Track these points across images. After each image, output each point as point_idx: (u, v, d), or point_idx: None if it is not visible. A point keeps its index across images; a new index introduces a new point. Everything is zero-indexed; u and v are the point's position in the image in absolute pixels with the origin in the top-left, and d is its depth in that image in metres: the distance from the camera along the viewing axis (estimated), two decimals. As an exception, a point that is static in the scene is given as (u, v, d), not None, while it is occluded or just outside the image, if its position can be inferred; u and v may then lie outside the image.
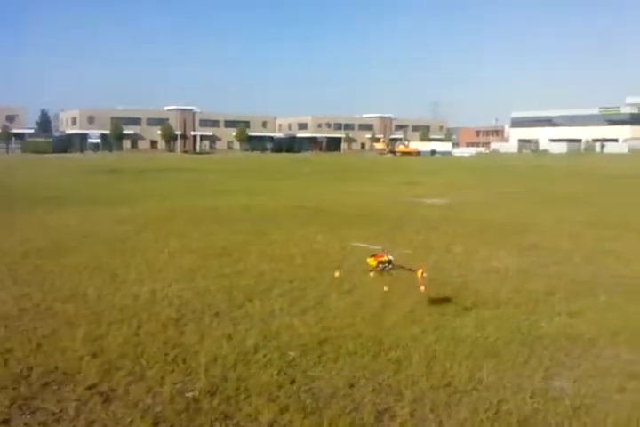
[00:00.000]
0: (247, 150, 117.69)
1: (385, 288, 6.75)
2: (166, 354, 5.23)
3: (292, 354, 5.23)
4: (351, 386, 4.61)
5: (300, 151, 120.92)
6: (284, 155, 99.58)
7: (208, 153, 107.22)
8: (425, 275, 6.57)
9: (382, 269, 6.90)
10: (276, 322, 6.11)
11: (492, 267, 8.89)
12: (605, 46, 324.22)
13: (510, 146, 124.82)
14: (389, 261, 6.88)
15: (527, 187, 26.18)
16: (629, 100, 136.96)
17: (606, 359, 5.25)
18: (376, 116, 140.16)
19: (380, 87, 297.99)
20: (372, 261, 6.92)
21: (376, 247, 7.09)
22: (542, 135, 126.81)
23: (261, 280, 7.83)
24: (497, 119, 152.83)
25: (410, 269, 6.81)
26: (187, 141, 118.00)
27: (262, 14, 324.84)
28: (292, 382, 4.68)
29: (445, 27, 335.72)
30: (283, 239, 10.94)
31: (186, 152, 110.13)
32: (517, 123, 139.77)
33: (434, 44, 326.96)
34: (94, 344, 5.47)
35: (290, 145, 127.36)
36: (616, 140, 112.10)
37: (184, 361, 5.08)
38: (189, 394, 4.46)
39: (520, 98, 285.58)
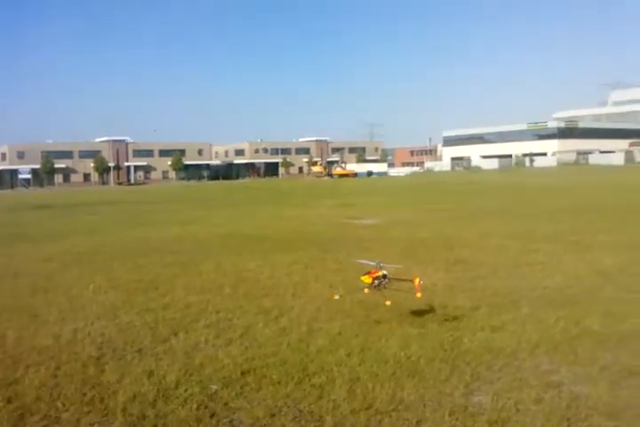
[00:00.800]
0: (183, 179, 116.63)
1: (387, 303, 6.71)
2: (84, 394, 5.08)
3: (213, 387, 5.15)
4: (272, 415, 4.56)
5: (237, 178, 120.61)
6: (221, 182, 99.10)
7: (143, 184, 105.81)
8: (421, 282, 6.83)
9: (378, 285, 6.87)
10: (200, 355, 6.02)
11: (421, 284, 8.96)
12: (531, 63, 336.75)
13: (444, 164, 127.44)
14: (384, 276, 6.89)
15: (457, 203, 26.74)
16: (556, 114, 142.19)
17: (526, 371, 5.35)
18: (312, 140, 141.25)
19: (315, 111, 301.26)
20: (366, 279, 6.87)
21: (371, 263, 7.09)
22: (474, 152, 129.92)
23: (188, 313, 7.71)
24: (430, 138, 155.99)
25: (406, 280, 6.97)
26: (120, 173, 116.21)
27: (190, 40, 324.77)
28: (212, 415, 4.60)
29: (374, 49, 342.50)
30: (212, 269, 10.81)
31: (120, 184, 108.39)
32: (449, 141, 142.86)
33: (365, 66, 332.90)
34: (9, 389, 5.26)
35: (227, 172, 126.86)
36: (545, 154, 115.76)
37: (102, 401, 4.93)
38: (105, 436, 4.33)
39: (451, 117, 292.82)
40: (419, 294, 6.72)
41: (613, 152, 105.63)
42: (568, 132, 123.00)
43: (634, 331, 6.35)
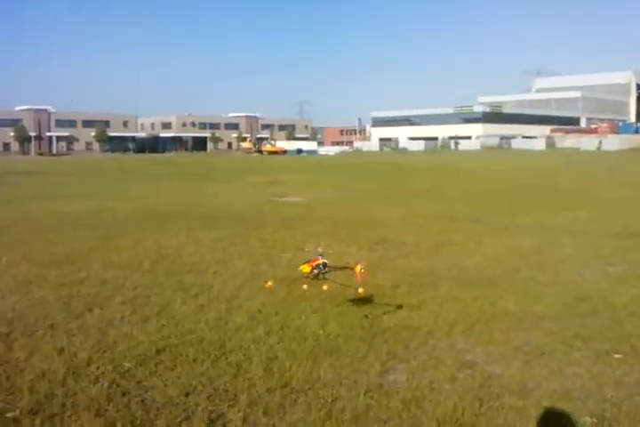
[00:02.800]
0: (107, 151, 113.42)
1: (324, 287, 6.62)
2: (-11, 373, 4.85)
3: (126, 365, 5.00)
4: (186, 394, 4.47)
5: (164, 151, 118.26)
6: (146, 155, 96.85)
7: (65, 155, 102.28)
8: (363, 271, 6.53)
9: (318, 274, 6.66)
10: (114, 332, 5.84)
11: (343, 262, 9.00)
12: (460, 48, 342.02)
13: (372, 144, 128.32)
14: (325, 264, 6.67)
15: (382, 183, 27.03)
16: (481, 99, 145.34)
17: (441, 350, 5.42)
18: (242, 116, 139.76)
19: (245, 86, 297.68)
20: (305, 268, 6.65)
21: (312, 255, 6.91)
22: (402, 134, 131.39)
23: (103, 289, 7.47)
24: (360, 119, 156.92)
25: (346, 268, 6.76)
26: (42, 143, 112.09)
27: (117, 6, 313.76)
28: (124, 394, 4.46)
29: (314, 26, 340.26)
30: (131, 245, 10.53)
31: (41, 154, 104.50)
32: (378, 122, 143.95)
33: (299, 43, 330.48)
34: None
35: (153, 145, 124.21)
36: (470, 138, 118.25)
37: (8, 379, 4.72)
38: (9, 414, 4.15)
39: (380, 98, 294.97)
40: (360, 290, 6.44)
41: (535, 137, 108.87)
42: (492, 116, 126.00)
43: (547, 312, 6.55)
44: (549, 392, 4.50)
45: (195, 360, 5.11)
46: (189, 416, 4.11)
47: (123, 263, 8.99)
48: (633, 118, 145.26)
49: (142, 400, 4.37)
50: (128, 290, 7.39)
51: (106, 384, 4.60)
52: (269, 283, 6.91)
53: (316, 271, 6.65)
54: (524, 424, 4.03)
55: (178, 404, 4.31)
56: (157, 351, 5.30)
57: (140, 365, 5.01)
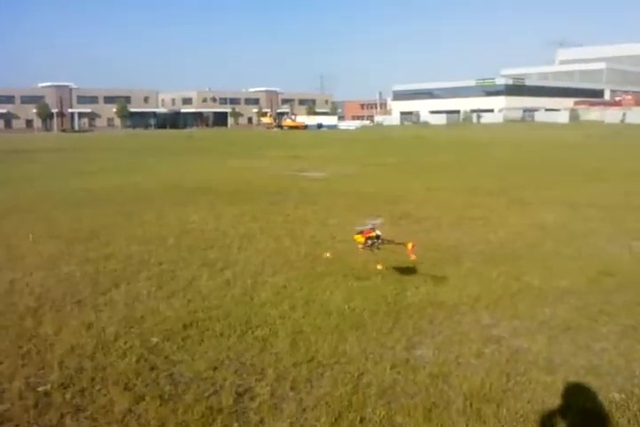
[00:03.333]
0: (129, 127, 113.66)
1: (378, 266, 6.72)
2: (20, 347, 4.94)
3: (154, 340, 5.07)
4: (214, 369, 4.52)
5: (184, 127, 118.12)
6: (167, 131, 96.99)
7: (88, 131, 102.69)
8: (414, 246, 6.65)
9: (371, 245, 6.77)
10: (141, 307, 5.91)
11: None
12: (481, 21, 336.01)
13: (393, 118, 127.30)
14: (378, 236, 6.78)
15: (403, 157, 26.86)
16: (504, 71, 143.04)
17: (466, 325, 5.42)
18: (262, 91, 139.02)
19: (265, 61, 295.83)
20: (359, 238, 6.77)
21: (365, 227, 6.95)
22: (423, 107, 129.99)
23: (129, 264, 7.55)
24: (380, 92, 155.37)
25: (399, 243, 6.81)
26: (64, 119, 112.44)
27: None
28: (152, 368, 4.53)
29: (325, 2, 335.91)
30: (155, 220, 10.61)
31: (64, 131, 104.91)
32: (399, 96, 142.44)
33: (316, 17, 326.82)
34: (-61, 341, 5.08)
35: (174, 121, 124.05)
36: (492, 111, 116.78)
37: (38, 354, 4.80)
38: (41, 388, 4.23)
39: (401, 71, 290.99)
40: (413, 256, 6.62)
41: (559, 110, 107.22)
42: (515, 89, 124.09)
43: (572, 287, 6.50)
44: (577, 368, 4.48)
45: (221, 335, 5.16)
46: (217, 391, 4.16)
47: (147, 238, 9.06)
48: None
49: (170, 375, 4.43)
50: (153, 265, 7.46)
51: (134, 359, 4.66)
52: (327, 254, 6.91)
53: (370, 242, 6.73)
54: (552, 400, 4.02)
55: (206, 378, 4.36)
56: (184, 326, 5.35)
57: (168, 340, 5.06)
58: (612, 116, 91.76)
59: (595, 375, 4.35)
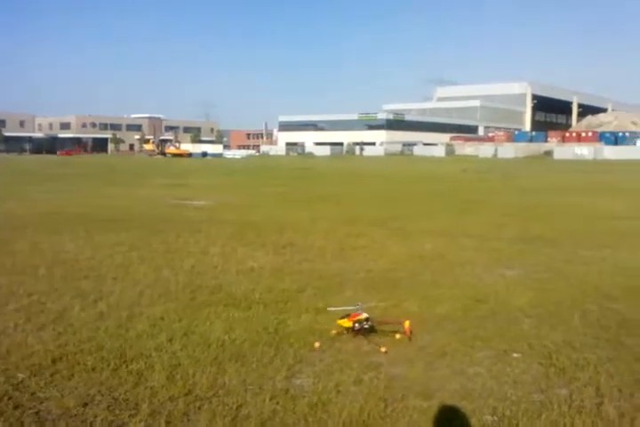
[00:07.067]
0: (2, 152, 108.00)
1: (383, 350, 5.45)
2: None
3: (20, 376, 4.74)
4: (84, 405, 4.27)
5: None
6: (43, 156, 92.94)
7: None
8: (411, 327, 5.81)
9: (359, 330, 5.82)
10: (7, 341, 5.53)
11: (248, 267, 8.94)
12: (366, 56, 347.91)
13: (279, 148, 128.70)
14: (367, 319, 5.90)
15: (289, 187, 27.07)
16: (386, 106, 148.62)
17: (347, 353, 5.44)
18: (145, 117, 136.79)
19: (149, 87, 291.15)
20: (345, 322, 5.86)
21: (350, 308, 6.06)
22: (308, 139, 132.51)
23: (-5, 295, 7.07)
24: (266, 123, 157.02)
25: (394, 323, 5.95)
26: None
27: (21, 6, 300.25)
28: (17, 406, 4.22)
29: (214, 29, 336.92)
30: (27, 249, 10.04)
31: None
32: (285, 127, 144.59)
33: (201, 44, 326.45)
34: None
35: (51, 146, 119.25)
36: (374, 144, 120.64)
37: None
38: None
39: (288, 103, 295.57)
40: (397, 336, 5.77)
41: (436, 145, 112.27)
42: (396, 123, 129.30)
43: (449, 313, 6.70)
44: (452, 392, 4.59)
45: (93, 369, 4.90)
46: (87, 428, 3.93)
47: (17, 268, 8.56)
48: (528, 127, 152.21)
49: (37, 413, 4.15)
50: (22, 297, 7.04)
51: (-3, 397, 4.33)
52: (317, 344, 5.66)
53: (358, 326, 5.89)
54: (429, 425, 4.09)
55: (75, 415, 4.11)
56: (53, 361, 5.05)
57: (35, 375, 4.76)
58: (485, 150, 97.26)
59: (469, 399, 4.47)
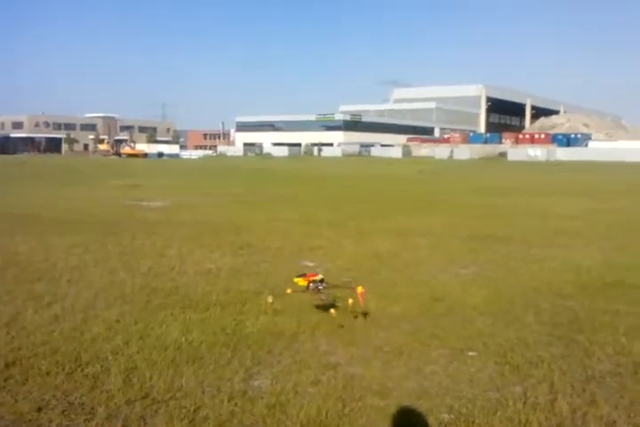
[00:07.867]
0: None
1: (332, 311, 6.10)
2: None
3: (-30, 382, 4.64)
4: (39, 410, 4.21)
5: (14, 153, 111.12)
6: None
7: None
8: (364, 291, 6.17)
9: (314, 289, 6.28)
10: (-44, 346, 5.41)
11: (205, 269, 8.89)
12: (323, 60, 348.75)
13: (236, 149, 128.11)
14: (322, 280, 6.30)
15: (246, 188, 26.97)
16: (343, 108, 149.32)
17: (305, 353, 5.46)
18: (99, 116, 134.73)
19: (104, 86, 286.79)
20: (301, 281, 6.23)
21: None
22: (266, 139, 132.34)
23: (-56, 299, 6.90)
24: (223, 123, 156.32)
25: (347, 287, 6.39)
26: None
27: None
28: (-33, 414, 4.14)
29: (170, 27, 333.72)
30: (-24, 251, 9.82)
31: None
32: (242, 127, 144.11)
33: (157, 42, 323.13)
34: None
35: (3, 146, 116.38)
36: (332, 145, 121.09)
37: None
38: None
39: (245, 103, 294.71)
40: (361, 303, 6.12)
41: (393, 146, 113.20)
42: (353, 125, 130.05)
43: (405, 312, 6.77)
44: (409, 391, 4.65)
45: (48, 373, 4.83)
46: (41, 434, 3.87)
47: (-34, 272, 8.35)
48: (483, 129, 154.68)
49: (-12, 419, 4.07)
50: (-28, 300, 6.87)
51: (-55, 404, 4.24)
52: (270, 298, 6.23)
53: (313, 286, 6.31)
54: (385, 424, 4.14)
55: (30, 420, 4.06)
56: (6, 365, 4.96)
57: (-14, 381, 4.66)
58: (441, 152, 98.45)
59: (426, 398, 4.54)
